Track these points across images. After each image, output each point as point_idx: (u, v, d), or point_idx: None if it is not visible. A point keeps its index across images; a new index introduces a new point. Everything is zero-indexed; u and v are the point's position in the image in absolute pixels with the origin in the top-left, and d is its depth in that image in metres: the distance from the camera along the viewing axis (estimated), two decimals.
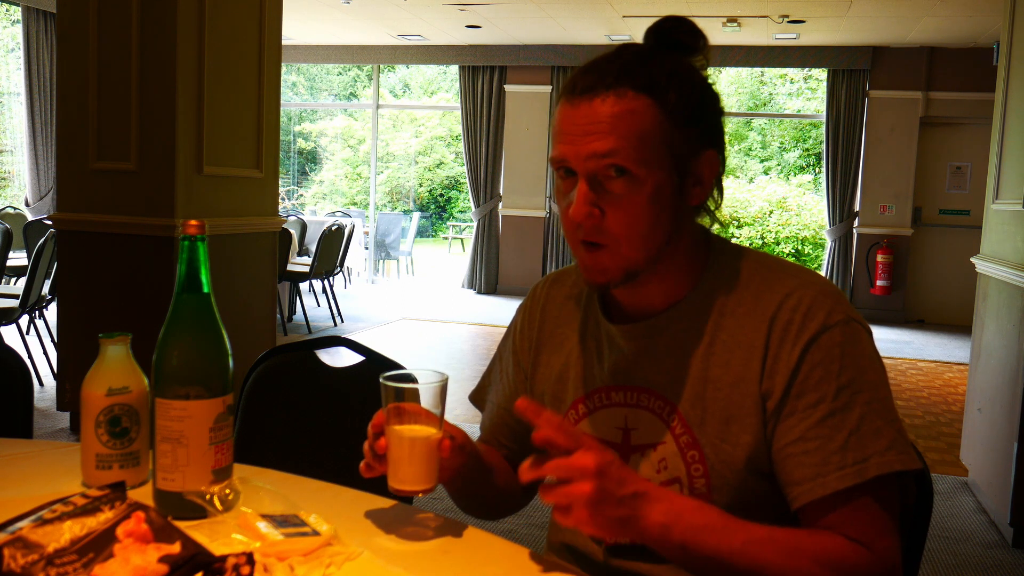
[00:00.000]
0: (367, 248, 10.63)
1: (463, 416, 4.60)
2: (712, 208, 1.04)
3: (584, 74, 0.97)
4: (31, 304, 4.61)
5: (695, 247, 1.04)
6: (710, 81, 1.01)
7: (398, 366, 1.46)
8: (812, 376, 0.94)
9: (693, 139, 0.97)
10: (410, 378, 0.97)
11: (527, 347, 1.18)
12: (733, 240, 1.09)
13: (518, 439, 1.19)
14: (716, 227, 1.08)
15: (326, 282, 7.37)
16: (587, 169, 0.95)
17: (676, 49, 0.99)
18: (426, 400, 0.97)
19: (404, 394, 0.96)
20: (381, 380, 0.97)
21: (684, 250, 1.02)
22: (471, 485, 1.13)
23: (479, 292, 9.58)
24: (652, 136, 0.94)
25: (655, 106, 0.94)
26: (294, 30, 8.88)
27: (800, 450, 0.94)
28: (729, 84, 16.26)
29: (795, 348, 0.95)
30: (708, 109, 0.99)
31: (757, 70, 15.16)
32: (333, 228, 7.12)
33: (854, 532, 0.93)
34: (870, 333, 0.99)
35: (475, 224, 9.62)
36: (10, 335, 4.94)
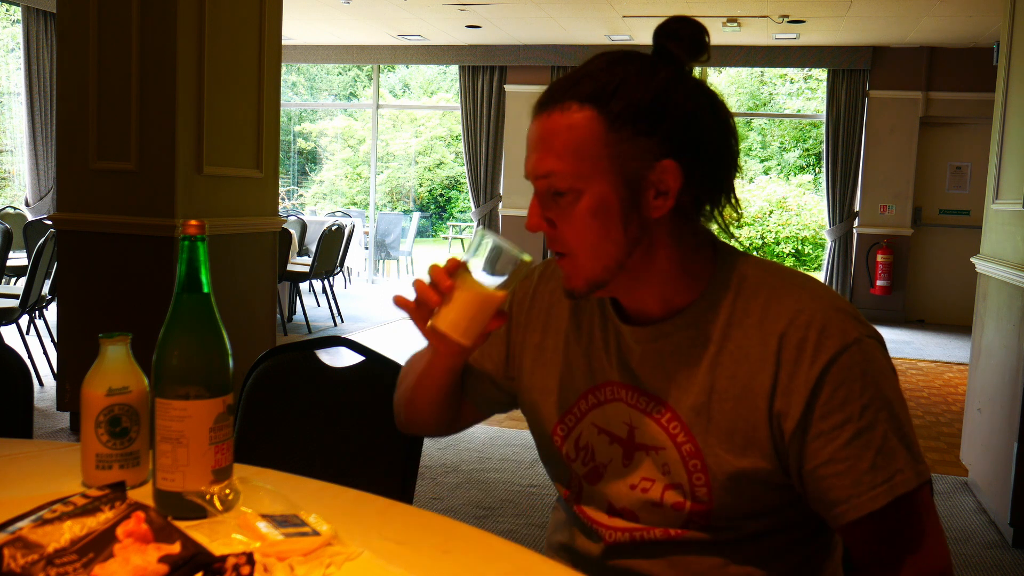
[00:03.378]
0: (367, 248, 10.62)
1: None
2: (720, 214, 1.02)
3: (548, 88, 0.98)
4: (31, 304, 4.61)
5: (695, 253, 1.01)
6: (699, 84, 0.97)
7: (399, 366, 1.47)
8: (836, 397, 0.94)
9: (646, 150, 0.93)
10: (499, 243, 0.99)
11: (524, 321, 1.17)
12: (733, 243, 1.08)
13: (480, 389, 1.21)
14: (718, 231, 1.06)
15: (326, 282, 7.37)
16: (536, 185, 0.98)
17: (664, 54, 0.96)
18: (507, 269, 0.98)
19: (496, 254, 0.97)
20: (482, 229, 0.99)
21: (676, 257, 1.00)
22: (447, 380, 1.15)
23: None
24: (590, 149, 0.93)
25: (597, 117, 0.93)
26: (294, 30, 8.88)
27: (831, 472, 0.94)
28: (729, 84, 16.27)
29: (813, 367, 0.94)
30: (669, 115, 0.93)
31: (757, 70, 15.16)
32: (333, 228, 7.12)
33: (896, 547, 0.95)
34: (883, 344, 0.98)
35: (475, 224, 9.62)
36: (10, 335, 4.94)
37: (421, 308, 1.01)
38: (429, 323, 0.99)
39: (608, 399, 1.07)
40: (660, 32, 0.98)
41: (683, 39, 0.96)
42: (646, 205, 0.96)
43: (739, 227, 1.08)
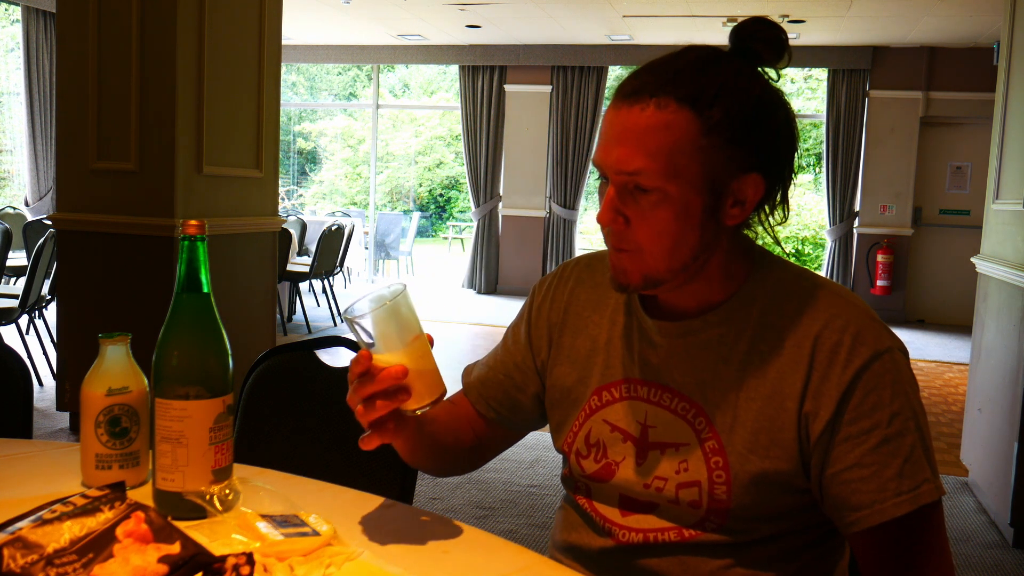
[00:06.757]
0: (367, 248, 10.62)
1: None
2: (765, 222, 1.01)
3: (635, 76, 0.94)
4: (31, 304, 4.61)
5: (735, 255, 1.02)
6: (779, 93, 0.96)
7: None
8: (866, 402, 0.94)
9: (736, 160, 0.93)
10: (370, 303, 0.93)
11: (544, 325, 1.16)
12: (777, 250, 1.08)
13: (508, 403, 1.18)
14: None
15: (326, 282, 7.37)
16: (616, 179, 0.94)
17: (750, 55, 0.96)
18: (402, 314, 0.94)
19: (388, 313, 0.93)
20: (349, 317, 0.92)
21: (724, 260, 1.00)
22: (424, 441, 1.11)
23: (479, 292, 9.58)
24: (685, 153, 0.91)
25: (695, 121, 0.90)
26: (294, 30, 8.88)
27: (856, 476, 0.94)
28: None
29: (846, 371, 0.94)
30: (761, 127, 0.93)
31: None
32: (333, 228, 7.12)
33: (909, 558, 0.95)
34: (908, 357, 0.99)
35: (475, 224, 9.62)
36: (10, 335, 4.94)
37: (394, 418, 0.97)
38: (410, 412, 0.97)
39: (624, 396, 1.06)
40: (742, 33, 0.96)
41: (768, 41, 0.95)
42: (723, 212, 0.96)
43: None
